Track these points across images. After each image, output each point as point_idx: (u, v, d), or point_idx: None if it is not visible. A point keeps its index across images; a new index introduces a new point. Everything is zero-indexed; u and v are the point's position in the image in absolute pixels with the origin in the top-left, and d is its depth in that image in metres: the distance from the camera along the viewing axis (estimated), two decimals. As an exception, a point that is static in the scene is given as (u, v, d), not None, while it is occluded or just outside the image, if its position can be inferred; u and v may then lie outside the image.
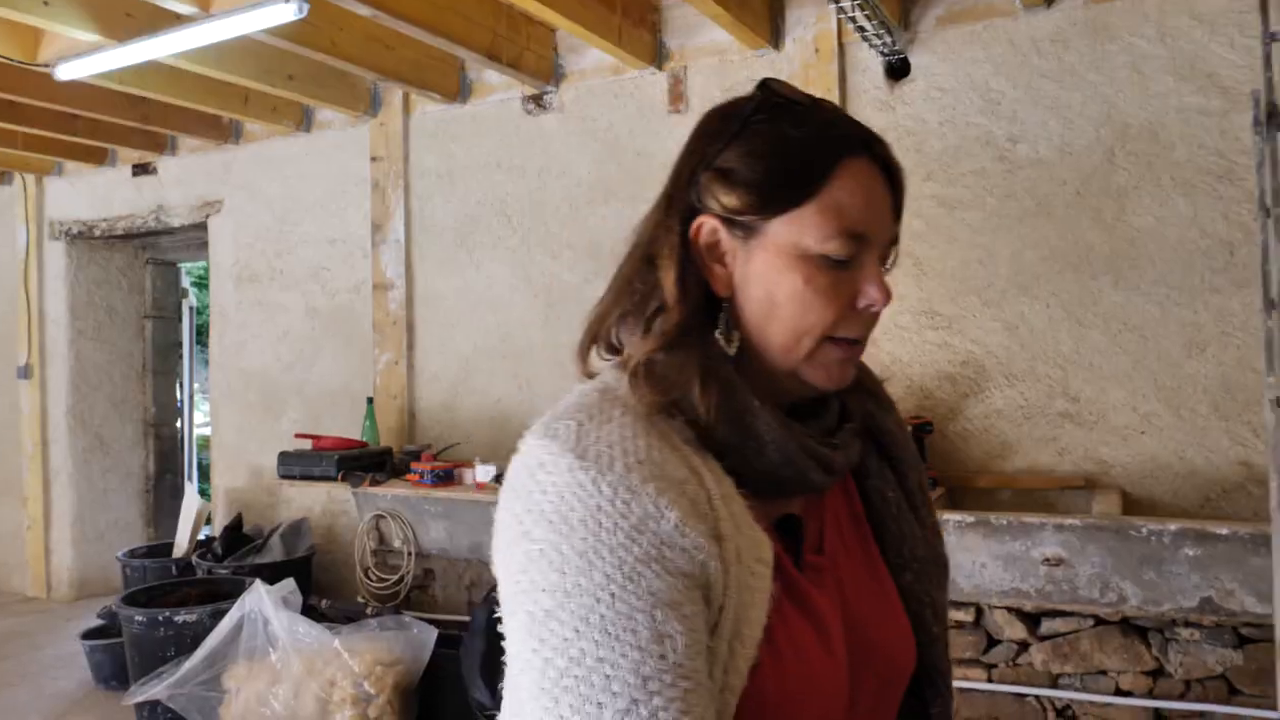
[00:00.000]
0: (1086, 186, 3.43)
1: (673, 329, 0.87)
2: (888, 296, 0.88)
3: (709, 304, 0.89)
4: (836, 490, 0.98)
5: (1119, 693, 2.99)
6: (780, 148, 0.87)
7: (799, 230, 0.86)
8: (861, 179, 0.87)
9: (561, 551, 0.77)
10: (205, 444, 6.71)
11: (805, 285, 0.86)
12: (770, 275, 0.87)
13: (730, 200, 0.87)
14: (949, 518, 3.12)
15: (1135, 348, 3.36)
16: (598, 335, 0.93)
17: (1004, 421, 3.51)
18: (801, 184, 0.86)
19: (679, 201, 0.90)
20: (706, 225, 0.89)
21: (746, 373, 0.88)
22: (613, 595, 0.75)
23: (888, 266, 0.93)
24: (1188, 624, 2.93)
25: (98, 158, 5.71)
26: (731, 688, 0.78)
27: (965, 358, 3.57)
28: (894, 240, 0.93)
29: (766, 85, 0.91)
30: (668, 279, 0.88)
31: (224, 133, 5.25)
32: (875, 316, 0.90)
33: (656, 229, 0.91)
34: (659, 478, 0.79)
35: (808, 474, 0.88)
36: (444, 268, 4.65)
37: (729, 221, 0.88)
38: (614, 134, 4.24)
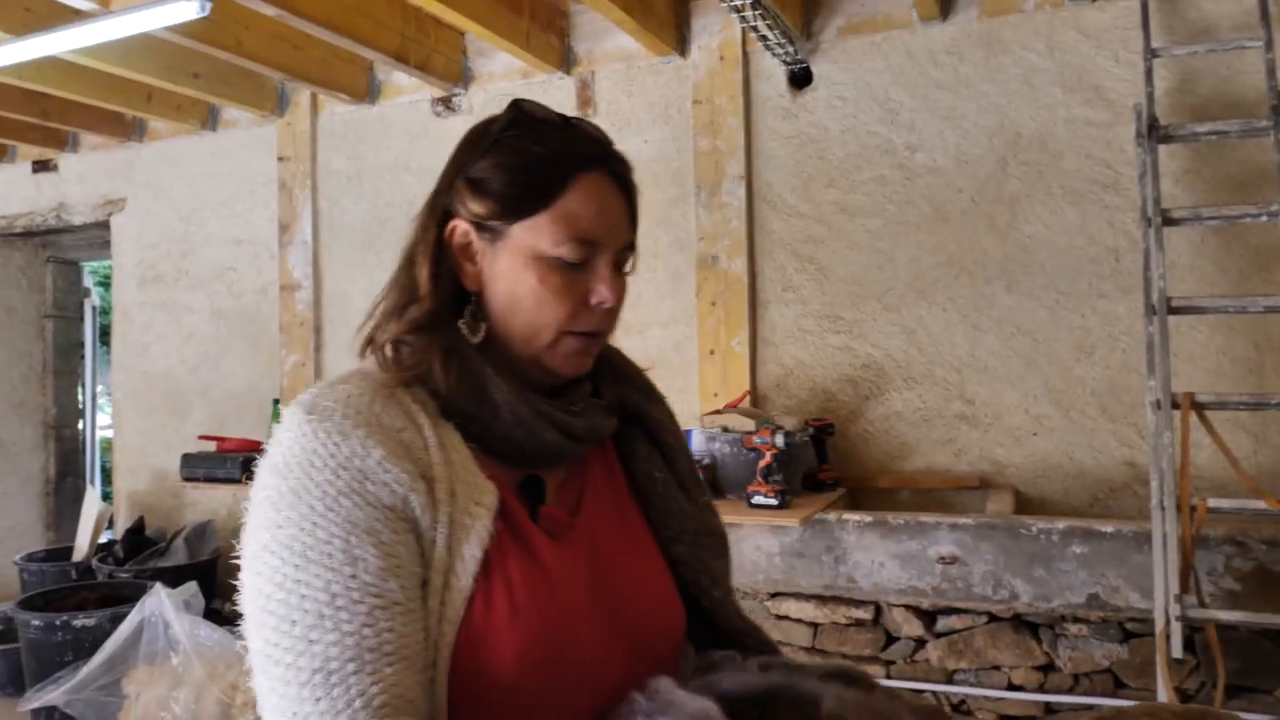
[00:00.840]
0: (981, 194, 3.53)
1: (422, 316, 0.98)
2: (618, 296, 1.00)
3: (461, 299, 1.01)
4: (601, 468, 1.09)
5: (1011, 687, 3.09)
6: (522, 162, 0.98)
7: (536, 235, 0.97)
8: (594, 191, 0.98)
9: (280, 490, 0.87)
10: (108, 447, 6.54)
11: (540, 284, 0.97)
12: (512, 274, 0.98)
13: (478, 207, 0.99)
14: (849, 518, 3.19)
15: (1027, 351, 3.48)
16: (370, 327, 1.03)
17: (903, 423, 3.60)
18: (539, 195, 0.97)
19: (438, 207, 1.02)
20: (460, 228, 1.00)
21: (493, 359, 0.99)
22: (314, 524, 0.85)
23: (627, 269, 1.04)
24: (1076, 620, 3.04)
25: (-6, 153, 5.52)
26: (449, 618, 0.87)
27: (866, 361, 3.65)
28: (630, 246, 1.04)
29: (517, 105, 1.02)
30: (421, 274, 0.99)
31: (127, 130, 5.12)
32: (609, 313, 1.01)
33: (418, 231, 1.03)
34: (370, 424, 0.89)
35: (541, 435, 0.98)
36: (352, 269, 4.60)
37: (478, 225, 0.99)
38: (525, 136, 4.24)
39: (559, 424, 0.99)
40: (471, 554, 0.89)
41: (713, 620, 1.07)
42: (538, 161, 0.98)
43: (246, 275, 4.89)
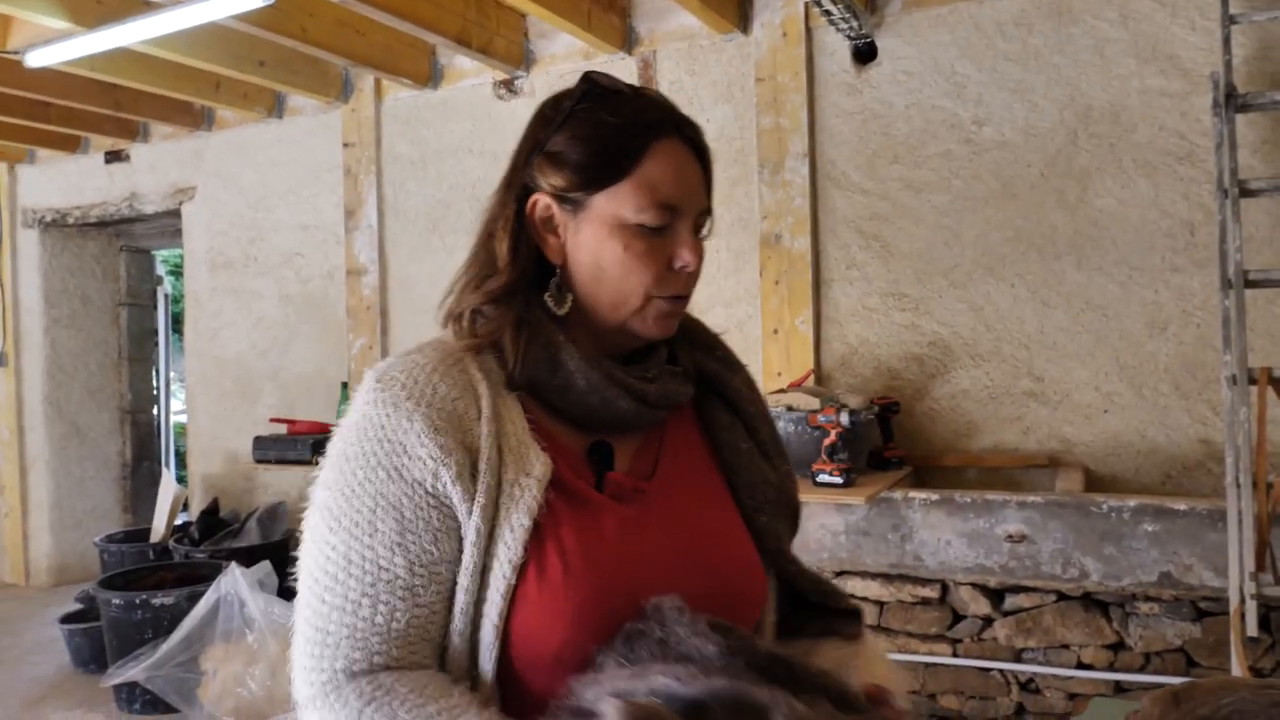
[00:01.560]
0: (1050, 168, 3.47)
1: (500, 288, 1.01)
2: (699, 258, 1.01)
3: (543, 272, 1.03)
4: (682, 436, 1.10)
5: (1080, 666, 3.05)
6: (599, 132, 1.00)
7: (618, 204, 0.99)
8: (671, 158, 1.00)
9: (336, 453, 0.95)
10: (182, 431, 6.72)
11: (625, 251, 0.99)
12: (596, 244, 1.00)
13: (558, 180, 1.00)
14: (915, 496, 3.17)
15: (1098, 327, 3.42)
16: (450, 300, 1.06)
17: (970, 401, 3.56)
18: (618, 164, 0.99)
19: (516, 182, 1.03)
20: (541, 201, 1.02)
21: (578, 330, 1.02)
22: (352, 491, 0.92)
23: (705, 233, 1.05)
24: (1147, 598, 2.99)
25: (70, 145, 5.68)
26: (495, 586, 0.91)
27: (932, 339, 3.62)
28: (707, 210, 1.05)
29: (589, 77, 1.04)
30: (501, 247, 1.02)
31: (196, 119, 5.24)
32: (691, 276, 1.03)
33: (496, 208, 1.05)
34: (421, 396, 0.93)
35: (614, 401, 1.00)
36: (417, 253, 4.67)
37: (560, 198, 1.01)
38: (585, 118, 4.26)
39: (632, 390, 1.01)
40: (520, 523, 0.92)
41: (797, 587, 1.09)
42: (614, 131, 0.99)
43: (313, 260, 4.98)
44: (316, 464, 3.61)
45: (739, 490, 1.08)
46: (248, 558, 4.16)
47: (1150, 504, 2.96)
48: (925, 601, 3.21)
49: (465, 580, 0.92)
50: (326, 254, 4.94)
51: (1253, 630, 2.56)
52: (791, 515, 1.13)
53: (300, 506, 3.66)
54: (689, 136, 1.03)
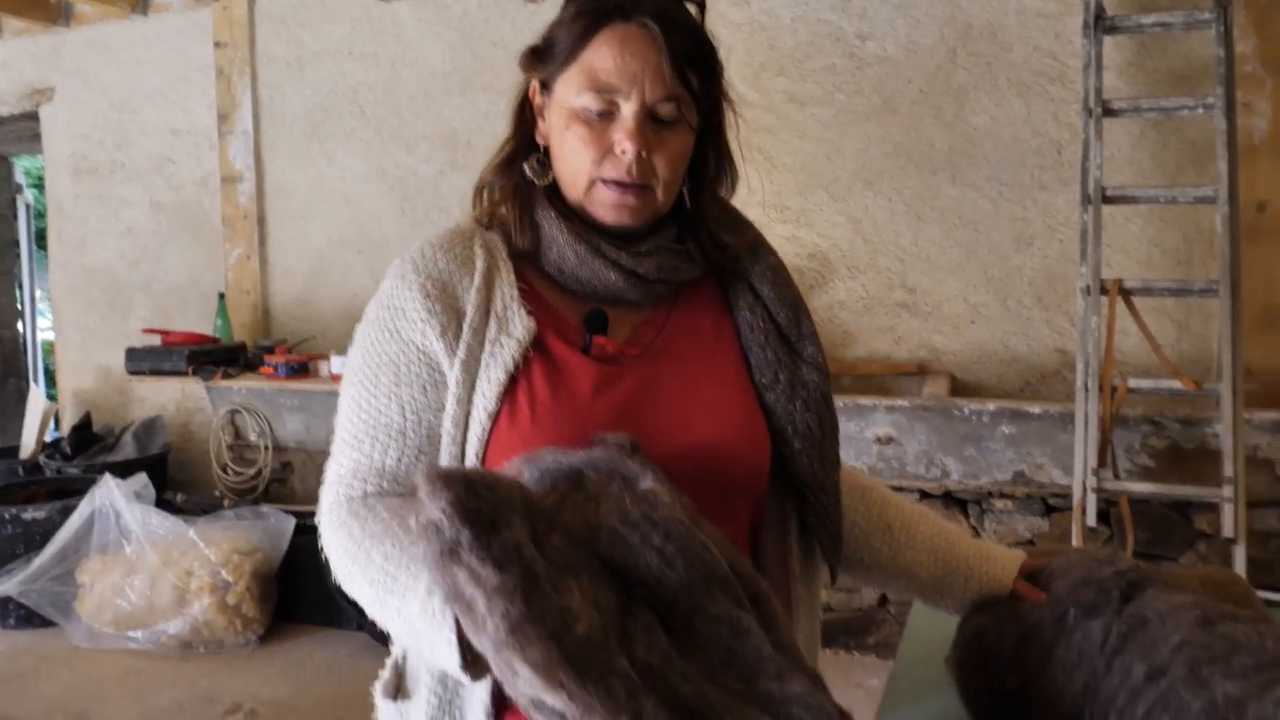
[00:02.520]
0: (930, 85, 3.57)
1: (504, 155, 1.13)
2: (638, 144, 1.04)
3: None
4: (702, 314, 1.15)
5: (941, 559, 3.24)
6: (560, 22, 1.08)
7: (565, 88, 1.06)
8: (617, 42, 1.04)
9: (364, 320, 1.10)
10: (50, 350, 6.44)
11: (569, 134, 1.06)
12: (558, 127, 1.08)
13: (536, 68, 1.11)
14: (791, 401, 3.29)
15: (969, 241, 3.56)
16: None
17: (846, 312, 3.68)
18: (567, 50, 1.06)
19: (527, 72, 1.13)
20: (534, 87, 1.12)
21: (562, 205, 1.10)
22: (366, 350, 1.08)
23: (666, 117, 1.05)
24: (1002, 495, 3.19)
25: (-88, 37, 5.28)
26: (475, 433, 1.03)
27: (812, 250, 3.72)
28: (669, 98, 1.05)
29: None
30: (509, 125, 1.14)
31: (52, 14, 4.92)
32: (644, 163, 1.05)
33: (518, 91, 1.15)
34: (424, 268, 1.07)
35: (604, 273, 1.08)
36: (295, 160, 4.53)
37: (542, 85, 1.11)
38: (470, 23, 4.17)
39: (620, 264, 1.08)
40: (496, 377, 1.03)
41: (789, 468, 1.11)
42: (570, 18, 1.07)
43: (185, 167, 4.79)
44: (192, 374, 3.60)
45: (753, 369, 1.12)
46: (124, 472, 4.06)
47: (1008, 408, 3.14)
48: (799, 502, 3.35)
49: (449, 426, 1.04)
50: (199, 160, 4.75)
51: (1092, 521, 2.77)
52: (811, 399, 1.12)
53: (177, 421, 3.61)
54: (650, 23, 1.04)
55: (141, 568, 3.60)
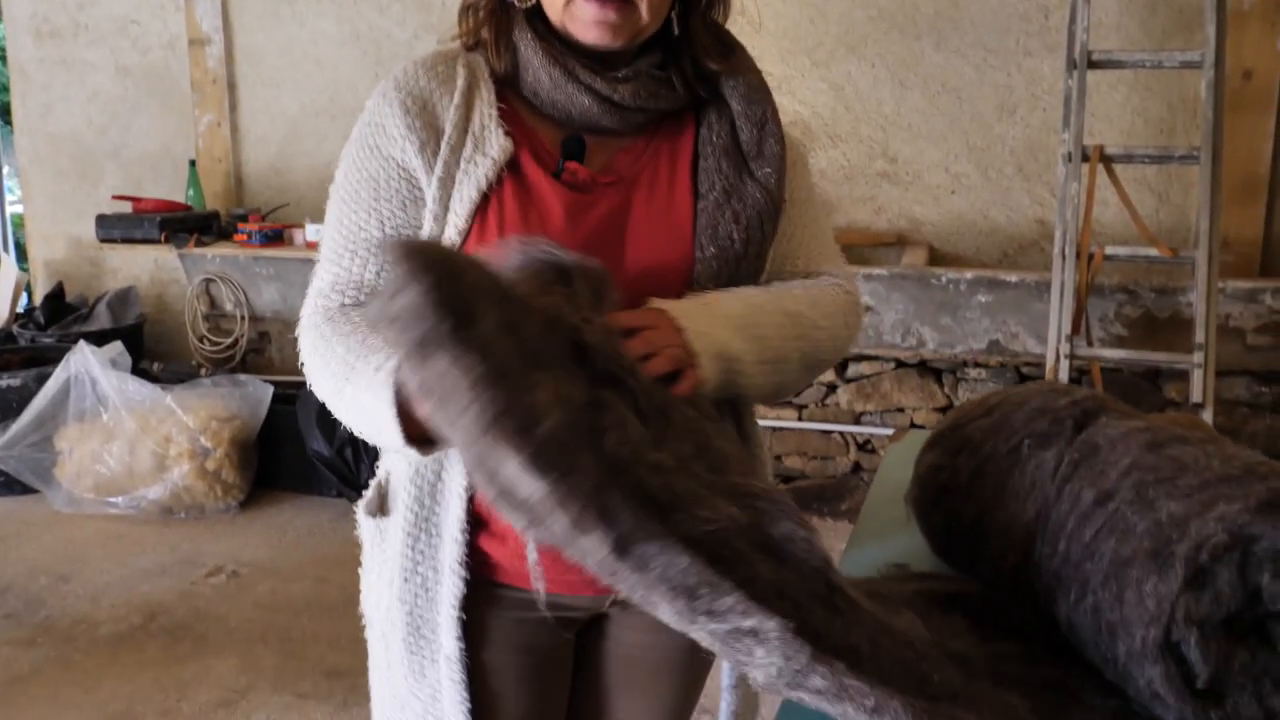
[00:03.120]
0: (916, -55, 3.45)
1: None
2: None
3: None
4: (680, 140, 1.11)
5: (913, 426, 3.29)
6: None
7: None
8: None
9: (350, 138, 1.09)
10: (20, 222, 6.33)
11: None
12: None
13: None
14: (768, 270, 3.28)
15: (951, 109, 3.50)
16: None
17: (826, 181, 3.64)
18: None
19: None
20: None
21: (541, 29, 1.07)
22: (349, 167, 1.08)
23: None
24: (976, 364, 3.22)
25: None
26: (448, 244, 1.02)
27: (793, 118, 3.65)
28: None
29: None
30: None
31: None
32: None
33: None
34: (406, 87, 1.06)
35: (578, 98, 1.05)
36: (265, 22, 4.38)
37: None
38: (443, -125, 3.99)
39: (594, 89, 1.04)
40: (469, 195, 1.03)
41: (691, 271, 1.08)
42: None
43: (151, 29, 4.62)
44: (165, 243, 3.56)
45: (698, 180, 1.08)
46: (99, 342, 4.03)
47: (985, 276, 3.14)
48: (775, 371, 3.37)
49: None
50: (166, 22, 4.58)
51: (1064, 386, 2.79)
52: (744, 212, 1.07)
53: (151, 292, 3.57)
54: None
55: (120, 434, 3.62)
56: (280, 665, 2.67)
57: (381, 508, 1.12)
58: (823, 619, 0.81)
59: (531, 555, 0.87)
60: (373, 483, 1.15)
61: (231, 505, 3.68)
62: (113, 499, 3.63)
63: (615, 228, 1.06)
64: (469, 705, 1.06)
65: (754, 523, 0.83)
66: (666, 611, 0.75)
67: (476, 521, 1.05)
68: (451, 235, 1.03)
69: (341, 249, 1.07)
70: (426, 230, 1.05)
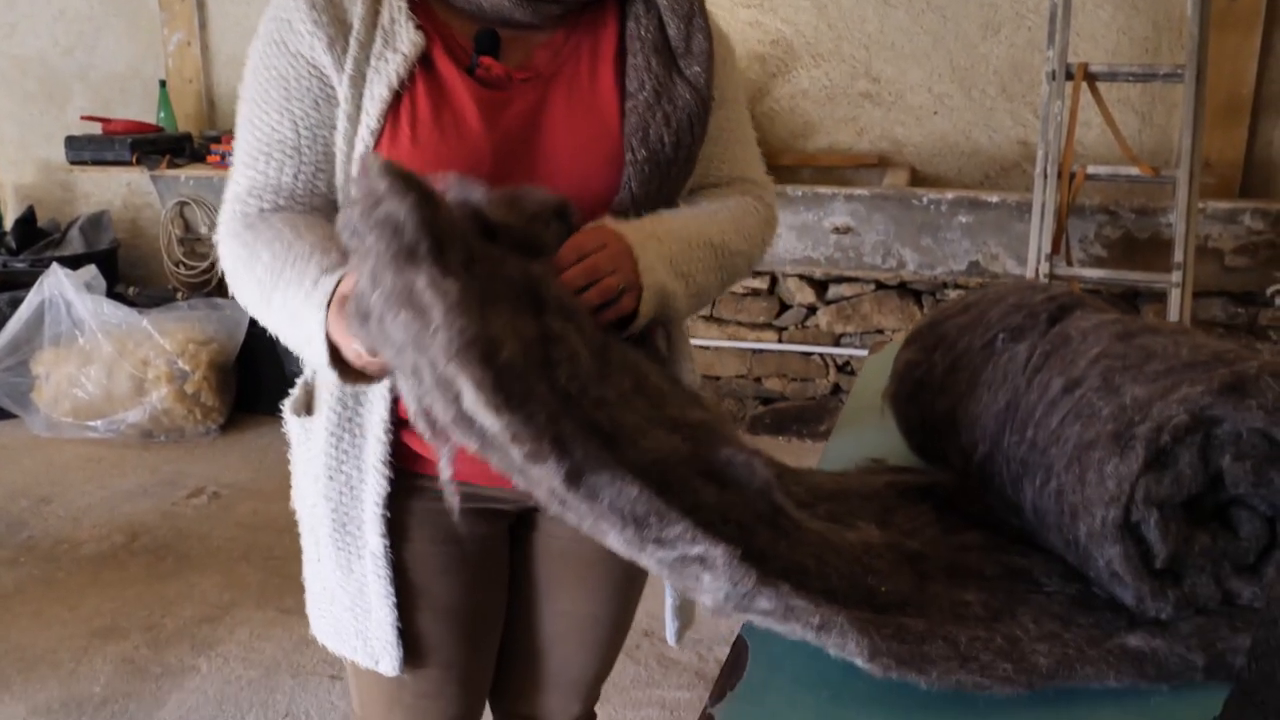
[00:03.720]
0: None
1: None
2: None
3: None
4: (600, 35, 1.08)
5: (892, 349, 3.31)
6: None
7: None
8: None
9: (256, 36, 1.04)
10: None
11: None
12: None
13: None
14: (749, 191, 3.26)
15: (935, 28, 3.46)
16: None
17: (808, 102, 3.60)
18: None
19: None
20: None
21: None
22: (256, 66, 1.03)
23: None
24: (956, 286, 3.22)
25: None
26: (358, 151, 1.00)
27: (775, 37, 3.60)
28: None
29: None
30: None
31: None
32: None
33: None
34: None
35: None
36: (234, -65, 4.26)
37: None
38: None
39: None
40: (380, 94, 0.99)
41: (623, 176, 1.06)
42: None
43: (116, -57, 4.49)
44: (137, 164, 3.50)
45: (623, 81, 1.05)
46: (72, 266, 3.97)
47: (966, 197, 3.13)
48: (755, 292, 3.37)
49: (341, 144, 1.02)
50: (131, -64, 4.45)
51: (1042, 305, 2.80)
52: (680, 124, 1.05)
53: (124, 216, 3.50)
54: None
55: (97, 358, 3.59)
56: (264, 581, 2.69)
57: (308, 407, 1.12)
58: (768, 540, 0.83)
59: (445, 472, 0.82)
60: (299, 381, 1.14)
61: (211, 428, 3.68)
62: (91, 423, 3.62)
63: (533, 127, 1.03)
64: (394, 600, 1.07)
65: (695, 451, 0.85)
66: (615, 539, 0.76)
67: (400, 420, 1.04)
68: (364, 135, 1.00)
69: (256, 152, 1.03)
70: (341, 131, 1.01)
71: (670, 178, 1.06)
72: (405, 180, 0.77)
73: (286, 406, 1.14)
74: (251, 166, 1.03)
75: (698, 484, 0.83)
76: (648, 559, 0.77)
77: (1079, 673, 0.81)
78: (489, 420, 0.73)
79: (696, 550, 0.75)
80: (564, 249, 0.95)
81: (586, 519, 0.76)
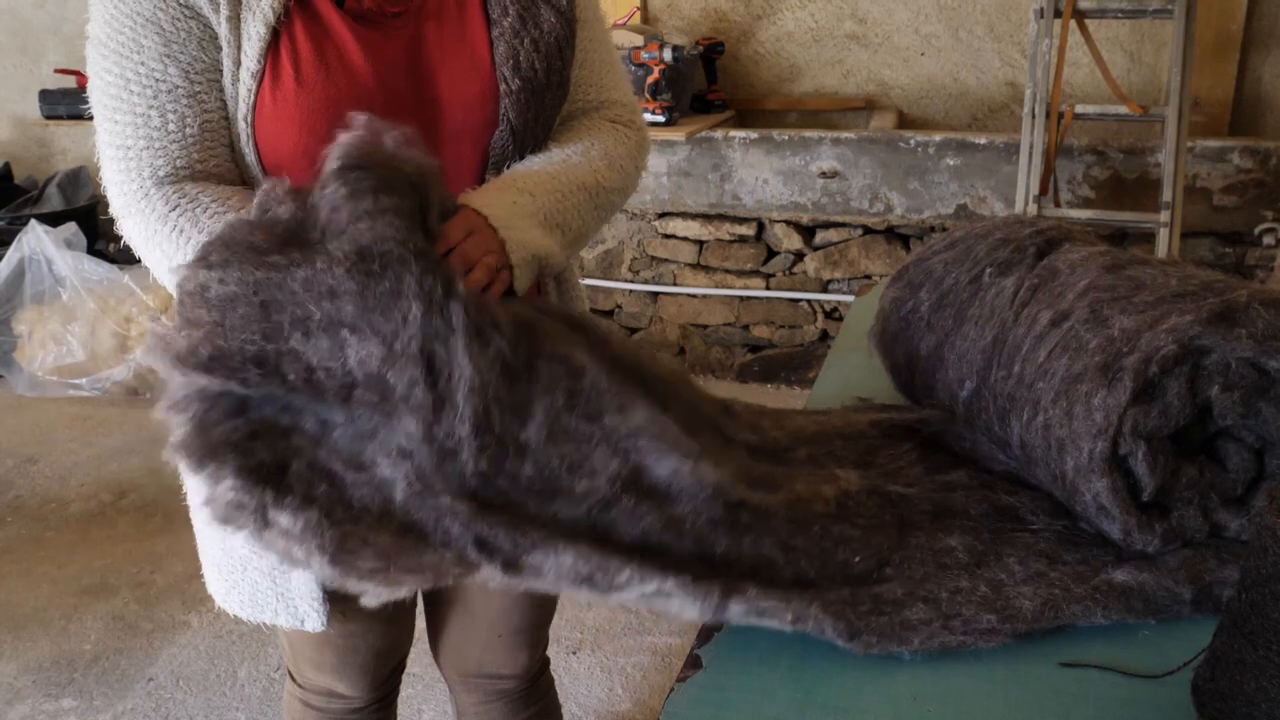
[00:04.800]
0: None
1: None
2: None
3: None
4: None
5: (880, 294, 3.29)
6: None
7: None
8: None
9: None
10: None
11: None
12: None
13: None
14: (735, 135, 3.22)
15: (922, -34, 3.40)
16: None
17: (793, 44, 3.54)
18: None
19: None
20: None
21: None
22: (112, 15, 0.94)
23: None
24: (943, 229, 3.20)
25: None
26: (243, 96, 0.96)
27: (760, -23, 3.53)
28: None
29: None
30: None
31: None
32: None
33: None
34: None
35: None
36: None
37: None
38: None
39: None
40: (257, 32, 0.94)
41: (502, 106, 1.05)
42: None
43: (83, -110, 4.37)
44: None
45: (487, 7, 1.04)
46: (51, 223, 3.92)
47: (953, 139, 3.09)
48: (742, 239, 3.35)
49: (228, 86, 0.97)
50: (98, -118, 4.33)
51: (1030, 247, 2.79)
52: (549, 48, 1.05)
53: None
54: None
55: (79, 315, 3.56)
56: (252, 537, 2.69)
57: None
58: (729, 543, 0.84)
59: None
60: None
61: (197, 385, 3.65)
62: (76, 381, 3.59)
63: (412, 64, 1.01)
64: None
65: (637, 468, 0.85)
66: (582, 596, 0.80)
67: None
68: (245, 79, 0.96)
69: (144, 107, 0.95)
70: (228, 73, 0.96)
71: (545, 105, 1.06)
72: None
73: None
74: (145, 124, 0.95)
75: (642, 509, 0.83)
76: (616, 602, 0.80)
77: (1065, 612, 0.81)
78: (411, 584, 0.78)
79: (650, 588, 0.78)
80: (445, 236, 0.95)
81: (547, 588, 0.80)
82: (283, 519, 0.76)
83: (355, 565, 0.76)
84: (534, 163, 1.06)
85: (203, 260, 0.81)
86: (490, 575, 0.78)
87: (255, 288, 0.79)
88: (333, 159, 0.85)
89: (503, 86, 1.03)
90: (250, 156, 0.98)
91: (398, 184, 0.84)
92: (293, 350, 0.79)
